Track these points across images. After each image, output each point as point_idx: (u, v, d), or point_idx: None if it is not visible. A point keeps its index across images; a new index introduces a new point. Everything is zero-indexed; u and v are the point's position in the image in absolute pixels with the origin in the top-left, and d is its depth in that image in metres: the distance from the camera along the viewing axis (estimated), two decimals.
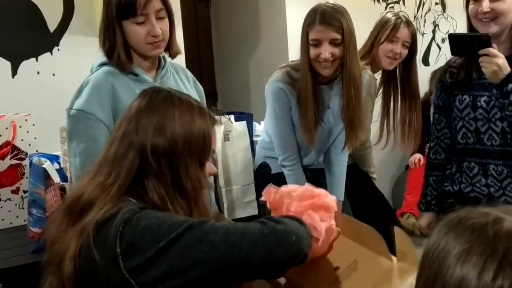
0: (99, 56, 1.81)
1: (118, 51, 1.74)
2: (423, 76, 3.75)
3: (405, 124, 2.57)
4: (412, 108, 2.57)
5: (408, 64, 2.54)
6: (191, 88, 1.94)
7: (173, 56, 1.86)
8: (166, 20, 1.76)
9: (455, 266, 0.70)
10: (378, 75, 2.61)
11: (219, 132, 2.47)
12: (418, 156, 3.93)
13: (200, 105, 1.33)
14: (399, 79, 2.57)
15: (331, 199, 1.34)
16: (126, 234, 1.10)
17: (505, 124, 1.91)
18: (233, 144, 2.51)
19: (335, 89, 2.22)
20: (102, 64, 1.78)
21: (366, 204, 2.60)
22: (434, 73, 3.80)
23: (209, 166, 1.32)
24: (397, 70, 2.57)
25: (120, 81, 1.73)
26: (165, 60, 1.88)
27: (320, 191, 1.36)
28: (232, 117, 2.58)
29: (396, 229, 1.30)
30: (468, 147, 2.02)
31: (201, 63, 4.23)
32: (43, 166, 2.14)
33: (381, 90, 2.65)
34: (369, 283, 1.26)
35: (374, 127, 2.66)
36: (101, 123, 1.67)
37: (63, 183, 2.32)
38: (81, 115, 1.69)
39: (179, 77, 1.92)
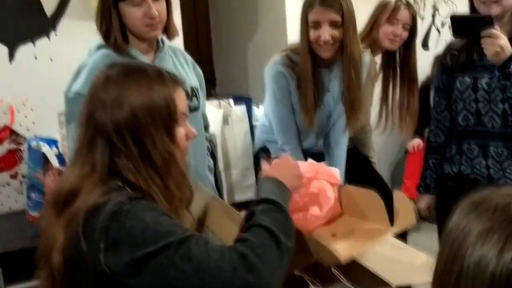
0: (97, 39, 1.79)
1: (114, 33, 1.72)
2: (423, 60, 3.73)
3: (402, 108, 2.56)
4: (410, 91, 2.56)
5: (407, 47, 2.53)
6: (189, 71, 1.93)
7: (171, 37, 1.84)
8: (163, 1, 1.74)
9: (475, 245, 0.68)
10: (378, 59, 2.60)
11: (218, 116, 2.45)
12: (417, 141, 3.92)
13: (159, 70, 1.27)
14: (398, 62, 2.56)
15: (334, 169, 1.40)
16: (111, 230, 1.08)
17: (506, 105, 1.91)
18: (233, 128, 2.50)
19: (335, 72, 2.21)
20: (99, 47, 1.77)
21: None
22: (437, 57, 3.78)
23: (186, 130, 1.27)
24: (397, 54, 2.56)
25: None
26: (163, 43, 1.86)
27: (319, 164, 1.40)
28: (231, 101, 2.57)
29: (398, 193, 1.42)
30: (468, 129, 2.02)
31: (199, 48, 4.19)
32: (42, 150, 2.14)
33: (381, 75, 2.63)
34: (361, 240, 1.36)
35: (374, 111, 2.64)
36: None
37: (62, 168, 2.31)
38: (78, 98, 1.68)
39: (177, 59, 1.90)
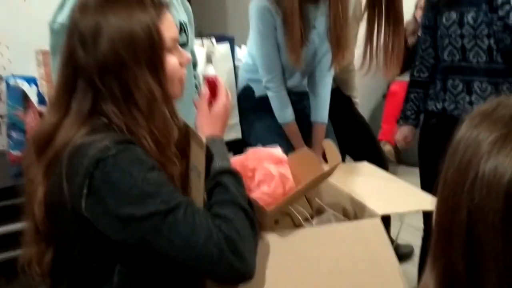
0: None
1: None
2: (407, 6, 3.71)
3: (388, 49, 2.55)
4: (396, 32, 2.53)
5: None
6: (178, 5, 1.88)
7: None
8: None
9: (490, 152, 0.65)
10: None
11: (201, 54, 2.40)
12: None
13: None
14: (384, 2, 2.52)
15: (278, 150, 1.38)
16: (95, 178, 1.05)
17: (491, 40, 1.92)
18: (216, 66, 2.43)
19: (321, 9, 2.18)
20: None
21: (348, 128, 2.61)
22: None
23: (179, 57, 1.22)
24: None
25: None
26: None
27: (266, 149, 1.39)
28: (213, 39, 2.52)
29: (326, 142, 1.48)
30: (453, 65, 2.03)
31: None
32: (21, 87, 2.09)
33: (365, 15, 2.60)
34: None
35: (358, 52, 2.62)
36: None
37: (42, 107, 2.26)
38: (64, 29, 1.61)
39: None
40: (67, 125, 1.14)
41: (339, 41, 2.16)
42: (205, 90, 1.32)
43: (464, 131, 0.70)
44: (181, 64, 1.23)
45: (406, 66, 4.12)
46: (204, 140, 1.20)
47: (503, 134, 0.66)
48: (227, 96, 1.32)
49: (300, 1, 2.09)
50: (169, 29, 1.18)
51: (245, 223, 1.12)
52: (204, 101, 1.31)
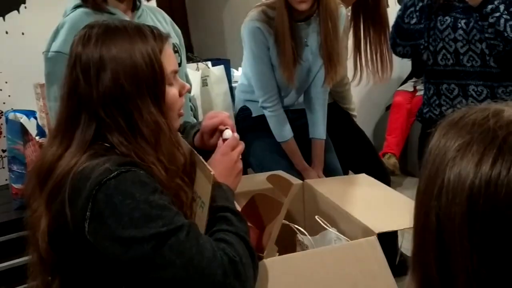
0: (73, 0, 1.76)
1: None
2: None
3: (376, 56, 2.55)
4: (383, 39, 2.53)
5: None
6: (169, 29, 1.91)
7: None
8: None
9: (455, 158, 0.69)
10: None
11: (196, 78, 2.43)
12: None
13: (139, 28, 1.20)
14: (368, 11, 2.52)
15: None
16: (97, 201, 1.06)
17: (483, 45, 1.92)
18: (212, 89, 2.48)
19: (312, 26, 2.19)
20: (76, 6, 1.73)
21: (348, 142, 2.61)
22: None
23: (179, 87, 1.24)
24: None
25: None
26: (140, 2, 1.84)
27: None
28: (209, 63, 2.55)
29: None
30: (447, 69, 2.03)
31: (174, 17, 4.15)
32: (19, 121, 2.11)
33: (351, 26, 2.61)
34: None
35: (349, 63, 2.63)
36: None
37: (42, 140, 2.28)
38: (59, 57, 1.64)
39: (156, 17, 1.89)
40: (68, 156, 1.15)
41: (331, 57, 2.16)
42: (220, 143, 1.35)
43: (434, 141, 0.74)
44: (180, 94, 1.25)
45: (407, 77, 4.17)
46: (213, 172, 1.19)
47: (466, 141, 0.69)
48: (229, 146, 1.32)
49: (290, 19, 2.11)
50: (169, 62, 1.21)
51: (246, 253, 1.12)
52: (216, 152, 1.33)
